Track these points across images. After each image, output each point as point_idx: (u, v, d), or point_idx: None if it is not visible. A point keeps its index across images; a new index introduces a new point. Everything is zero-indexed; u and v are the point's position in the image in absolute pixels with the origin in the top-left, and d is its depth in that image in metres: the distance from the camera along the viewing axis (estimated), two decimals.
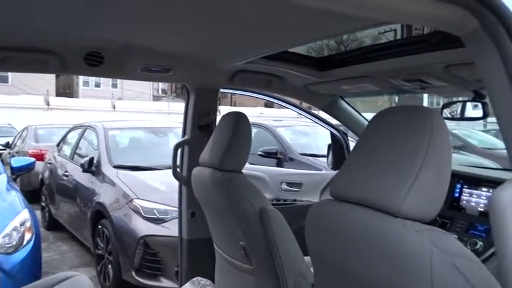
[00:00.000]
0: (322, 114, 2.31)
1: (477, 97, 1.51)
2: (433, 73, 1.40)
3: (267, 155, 4.75)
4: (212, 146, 1.50)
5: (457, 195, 1.70)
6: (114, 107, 17.54)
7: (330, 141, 2.45)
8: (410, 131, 0.73)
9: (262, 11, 0.68)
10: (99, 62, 1.41)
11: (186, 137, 1.85)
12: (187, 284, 1.66)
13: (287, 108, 2.24)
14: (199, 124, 1.81)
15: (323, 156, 3.11)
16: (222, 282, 1.65)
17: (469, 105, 1.50)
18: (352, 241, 0.82)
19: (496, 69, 0.59)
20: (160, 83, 22.06)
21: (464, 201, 1.67)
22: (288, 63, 1.67)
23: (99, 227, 3.46)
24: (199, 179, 1.57)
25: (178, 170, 1.89)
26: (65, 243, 4.59)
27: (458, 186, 1.72)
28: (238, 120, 1.46)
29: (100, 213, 3.48)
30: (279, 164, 4.74)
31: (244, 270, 1.49)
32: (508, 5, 0.62)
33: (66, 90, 23.56)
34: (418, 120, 0.75)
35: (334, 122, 2.31)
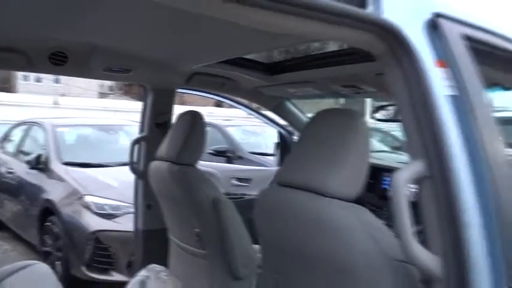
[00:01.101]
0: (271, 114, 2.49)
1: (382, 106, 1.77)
2: (365, 80, 1.62)
3: (217, 153, 4.87)
4: (170, 142, 1.63)
5: (386, 187, 1.95)
6: (56, 103, 16.83)
7: (277, 140, 2.65)
8: (339, 128, 0.92)
9: (214, 22, 0.80)
10: (63, 61, 1.48)
11: (143, 134, 1.96)
12: (142, 271, 1.77)
13: (239, 108, 2.40)
14: (157, 122, 1.93)
15: (271, 154, 3.30)
16: (176, 268, 1.77)
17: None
18: (293, 220, 0.99)
19: (398, 82, 0.79)
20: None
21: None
22: (240, 68, 1.83)
23: (47, 224, 3.43)
24: (157, 172, 1.69)
25: (135, 164, 1.99)
26: (8, 242, 4.45)
27: (388, 179, 1.97)
28: (195, 118, 1.60)
29: (48, 210, 3.45)
30: (229, 162, 4.88)
31: (198, 255, 1.63)
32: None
33: (4, 85, 22.26)
34: (346, 120, 0.93)
35: (281, 122, 2.50)
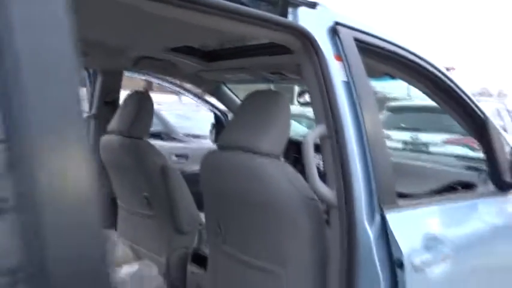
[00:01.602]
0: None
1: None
2: (289, 69, 1.95)
3: (151, 135, 5.02)
4: (120, 117, 1.85)
5: None
6: None
7: (213, 121, 2.93)
8: (266, 103, 1.23)
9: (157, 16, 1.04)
10: None
11: (92, 112, 2.14)
12: None
13: (180, 92, 2.64)
14: (106, 100, 2.13)
15: (205, 137, 3.58)
16: (124, 229, 2.01)
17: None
18: (232, 174, 1.29)
19: (309, 70, 1.11)
20: None
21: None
22: (182, 54, 2.07)
23: None
24: (108, 145, 1.90)
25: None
26: None
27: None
28: (144, 96, 1.84)
29: None
30: None
31: (146, 216, 1.88)
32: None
33: None
34: (271, 97, 1.25)
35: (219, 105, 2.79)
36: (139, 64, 2.08)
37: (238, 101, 2.62)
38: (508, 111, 7.10)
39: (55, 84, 0.51)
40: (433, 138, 4.93)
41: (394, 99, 6.58)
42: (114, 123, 1.87)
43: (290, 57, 1.72)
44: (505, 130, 5.76)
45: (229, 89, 2.57)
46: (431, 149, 4.77)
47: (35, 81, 0.49)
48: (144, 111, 1.83)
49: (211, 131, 3.05)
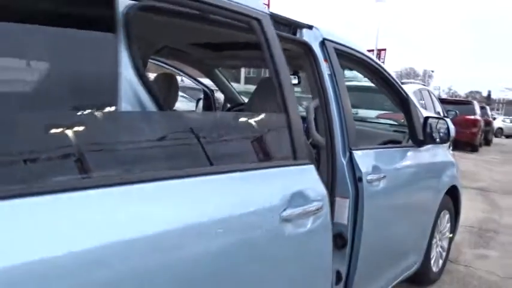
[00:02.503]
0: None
1: (295, 73, 2.89)
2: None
3: None
4: None
5: None
6: None
7: (202, 97, 3.61)
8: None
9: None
10: None
11: None
12: None
13: (179, 74, 3.29)
14: None
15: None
16: None
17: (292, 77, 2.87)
18: None
19: (308, 68, 1.87)
20: None
21: None
22: (199, 46, 2.74)
23: None
24: None
25: None
26: None
27: None
28: (171, 78, 2.50)
29: None
30: None
31: None
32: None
33: None
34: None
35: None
36: (161, 52, 2.71)
37: (226, 82, 3.33)
38: (428, 91, 8.37)
39: None
40: (369, 114, 5.93)
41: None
42: None
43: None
44: (424, 107, 6.96)
45: (221, 72, 3.26)
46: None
47: None
48: (173, 91, 2.47)
49: (196, 105, 3.73)
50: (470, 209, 5.30)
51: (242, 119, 1.66)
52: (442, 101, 10.50)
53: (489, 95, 71.01)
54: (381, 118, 5.72)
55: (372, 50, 23.82)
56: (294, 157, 1.43)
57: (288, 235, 1.30)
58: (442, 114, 8.26)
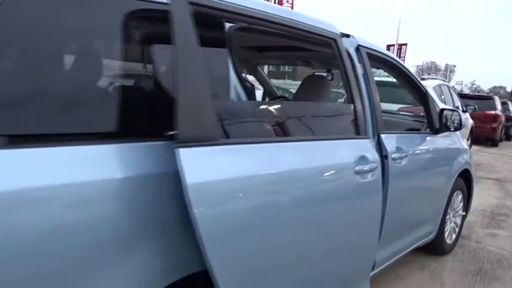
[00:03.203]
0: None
1: (328, 71, 3.38)
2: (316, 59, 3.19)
3: None
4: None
5: None
6: None
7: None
8: (319, 81, 2.48)
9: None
10: None
11: None
12: None
13: None
14: None
15: None
16: None
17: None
18: None
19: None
20: None
21: None
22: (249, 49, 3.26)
23: None
24: None
25: None
26: None
27: None
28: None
29: None
30: None
31: None
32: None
33: None
34: (322, 79, 2.50)
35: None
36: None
37: (267, 78, 3.84)
38: (448, 87, 8.72)
39: None
40: (390, 107, 6.38)
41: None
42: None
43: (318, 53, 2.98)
44: (443, 102, 7.34)
45: (262, 70, 3.77)
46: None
47: None
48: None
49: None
50: (484, 196, 5.71)
51: (331, 108, 2.49)
52: (463, 96, 10.80)
53: None
54: (401, 111, 6.16)
55: (393, 45, 24.01)
56: (357, 133, 2.10)
57: (357, 182, 1.93)
58: (460, 108, 8.62)
